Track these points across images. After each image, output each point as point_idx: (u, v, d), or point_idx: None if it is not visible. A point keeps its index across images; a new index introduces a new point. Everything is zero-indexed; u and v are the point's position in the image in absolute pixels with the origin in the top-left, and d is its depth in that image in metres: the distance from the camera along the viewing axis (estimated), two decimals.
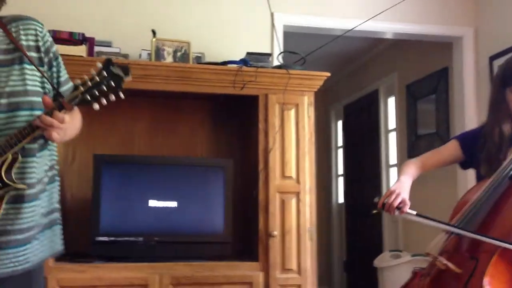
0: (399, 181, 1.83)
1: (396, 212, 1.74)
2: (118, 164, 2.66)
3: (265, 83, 2.76)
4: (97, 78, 1.27)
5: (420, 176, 1.99)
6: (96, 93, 1.27)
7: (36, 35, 1.41)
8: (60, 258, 2.41)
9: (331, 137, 6.15)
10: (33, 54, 1.39)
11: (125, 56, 2.82)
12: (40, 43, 1.41)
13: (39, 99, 1.34)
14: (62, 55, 1.50)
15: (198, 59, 2.89)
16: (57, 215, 1.50)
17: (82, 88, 1.27)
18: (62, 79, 1.45)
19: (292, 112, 2.80)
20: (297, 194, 2.72)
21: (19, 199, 1.36)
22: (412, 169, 1.92)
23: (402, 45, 4.53)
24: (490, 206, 1.67)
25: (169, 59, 2.72)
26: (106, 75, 1.27)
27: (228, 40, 3.16)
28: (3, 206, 1.32)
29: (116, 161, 2.70)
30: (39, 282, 1.46)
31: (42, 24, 1.44)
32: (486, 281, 1.51)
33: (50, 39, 1.44)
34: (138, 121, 3.01)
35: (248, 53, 2.92)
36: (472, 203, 1.70)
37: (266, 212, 2.66)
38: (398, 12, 3.44)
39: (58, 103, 1.28)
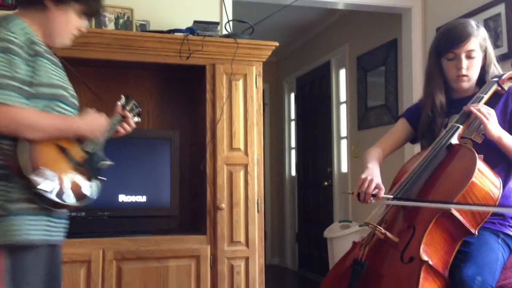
0: (367, 169, 1.79)
1: (372, 200, 1.69)
2: None
3: (212, 52, 2.69)
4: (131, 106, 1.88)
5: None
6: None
7: None
8: None
9: (284, 109, 6.15)
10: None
11: None
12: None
13: None
14: None
15: (143, 27, 2.78)
16: None
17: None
18: None
19: (240, 83, 2.75)
20: (245, 166, 2.69)
21: None
22: (375, 156, 1.90)
23: (353, 17, 4.53)
24: (428, 176, 1.70)
25: (110, 27, 2.61)
26: (134, 105, 1.89)
27: (175, 7, 3.05)
28: None
29: None
30: None
31: None
32: (422, 249, 1.54)
33: None
34: (81, 91, 2.88)
35: (195, 22, 2.83)
36: (410, 173, 1.72)
37: (213, 184, 2.63)
38: None
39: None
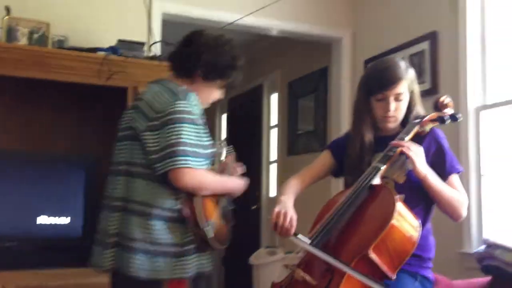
0: (281, 202, 1.73)
1: (292, 238, 1.61)
2: None
3: (136, 74, 2.57)
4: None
5: None
6: None
7: None
8: None
9: (215, 130, 6.07)
10: None
11: None
12: None
13: None
14: None
15: (60, 43, 2.60)
16: None
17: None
18: None
19: None
20: None
21: None
22: (292, 188, 1.85)
23: (286, 43, 4.54)
24: (349, 216, 1.65)
25: (23, 41, 2.42)
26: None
27: (98, 24, 2.89)
28: None
29: None
30: None
31: None
32: None
33: None
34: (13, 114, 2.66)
35: (119, 41, 2.70)
36: (331, 213, 1.67)
37: None
38: (282, 10, 3.43)
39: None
